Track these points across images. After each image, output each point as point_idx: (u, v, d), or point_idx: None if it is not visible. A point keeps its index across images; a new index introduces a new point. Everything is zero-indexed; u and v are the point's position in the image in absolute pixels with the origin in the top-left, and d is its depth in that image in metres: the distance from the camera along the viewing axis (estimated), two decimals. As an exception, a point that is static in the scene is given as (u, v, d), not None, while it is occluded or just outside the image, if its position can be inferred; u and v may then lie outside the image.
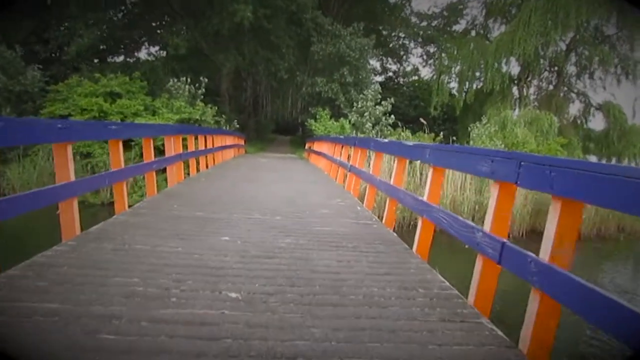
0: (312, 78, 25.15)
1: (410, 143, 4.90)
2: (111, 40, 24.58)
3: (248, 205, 5.95)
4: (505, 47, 24.57)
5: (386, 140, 5.91)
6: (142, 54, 29.37)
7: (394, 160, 5.38)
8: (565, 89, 30.23)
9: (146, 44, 29.04)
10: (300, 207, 6.15)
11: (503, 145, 18.23)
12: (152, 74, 21.88)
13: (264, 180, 9.49)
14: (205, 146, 11.19)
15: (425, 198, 4.07)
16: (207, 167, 10.91)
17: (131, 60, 26.50)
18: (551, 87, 30.13)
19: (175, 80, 18.42)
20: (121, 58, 27.46)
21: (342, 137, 11.10)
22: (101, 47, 25.37)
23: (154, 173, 6.42)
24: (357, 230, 4.90)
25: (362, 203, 6.77)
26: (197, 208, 5.51)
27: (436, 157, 4.00)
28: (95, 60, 24.00)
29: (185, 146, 9.66)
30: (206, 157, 10.92)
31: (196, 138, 10.36)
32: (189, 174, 9.29)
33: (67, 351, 1.96)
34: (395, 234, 4.81)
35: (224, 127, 19.53)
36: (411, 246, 4.19)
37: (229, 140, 16.37)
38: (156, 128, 8.13)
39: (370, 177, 6.38)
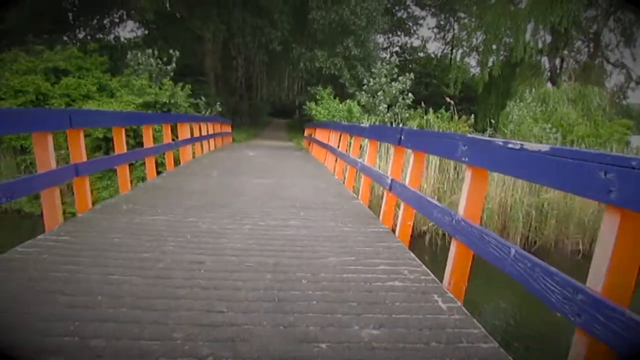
0: (311, 51, 21.22)
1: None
2: (68, 5, 20.32)
3: (177, 316, 2.23)
4: (541, 10, 20.50)
5: (548, 146, 2.10)
6: (127, 33, 25.37)
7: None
8: (601, 59, 26.50)
9: (120, 16, 24.92)
10: (303, 303, 2.45)
11: (555, 130, 14.44)
12: (117, 48, 17.92)
13: (238, 199, 5.68)
14: (155, 142, 7.43)
15: None
16: (156, 174, 7.12)
17: (102, 36, 22.49)
18: (584, 57, 26.34)
19: (138, 53, 14.44)
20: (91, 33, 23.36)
21: (365, 125, 7.22)
22: (67, 15, 21.30)
23: None
24: None
25: (436, 276, 3.08)
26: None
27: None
28: (48, 35, 19.74)
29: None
30: (154, 159, 7.08)
31: (135, 130, 6.56)
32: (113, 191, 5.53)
33: None
34: None
35: (203, 112, 15.71)
36: None
37: (207, 129, 12.62)
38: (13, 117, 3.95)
39: (470, 231, 2.64)
